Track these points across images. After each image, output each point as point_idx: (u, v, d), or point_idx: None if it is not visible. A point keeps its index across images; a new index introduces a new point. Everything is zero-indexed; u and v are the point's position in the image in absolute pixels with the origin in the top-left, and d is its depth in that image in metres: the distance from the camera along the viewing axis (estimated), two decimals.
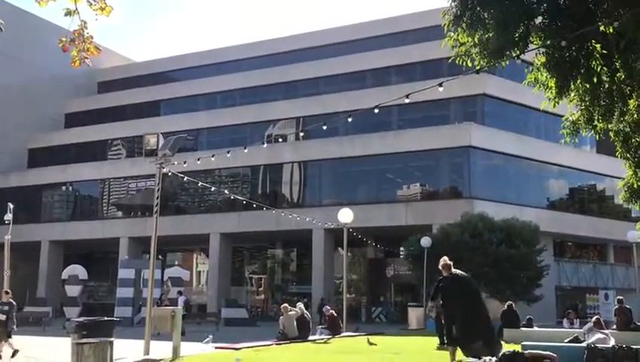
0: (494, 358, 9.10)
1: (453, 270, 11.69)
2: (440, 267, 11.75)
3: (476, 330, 11.03)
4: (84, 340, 10.29)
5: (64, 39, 6.07)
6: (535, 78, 8.41)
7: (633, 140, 8.73)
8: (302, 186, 39.29)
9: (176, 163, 14.16)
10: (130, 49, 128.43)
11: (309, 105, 40.75)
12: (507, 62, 8.21)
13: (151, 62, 55.46)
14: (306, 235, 35.71)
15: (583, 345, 11.69)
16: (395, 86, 35.04)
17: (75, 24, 5.89)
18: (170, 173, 14.51)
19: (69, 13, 5.84)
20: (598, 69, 7.90)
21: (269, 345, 15.70)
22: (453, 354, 11.10)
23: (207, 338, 15.73)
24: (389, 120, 36.78)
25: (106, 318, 11.97)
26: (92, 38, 6.06)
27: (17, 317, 25.03)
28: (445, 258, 11.93)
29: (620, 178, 10.28)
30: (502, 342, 12.80)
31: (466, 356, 10.86)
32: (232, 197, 33.91)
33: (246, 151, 17.56)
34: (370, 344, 16.19)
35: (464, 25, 7.59)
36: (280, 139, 37.90)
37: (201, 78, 48.58)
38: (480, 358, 10.16)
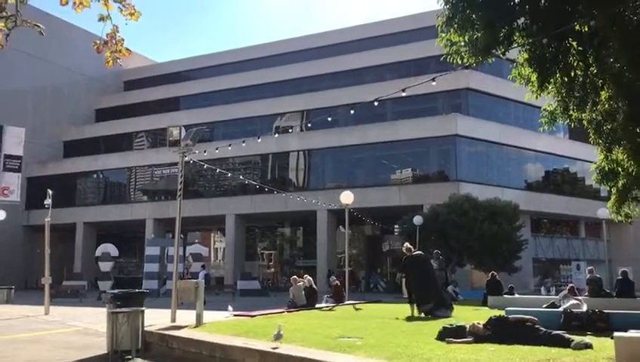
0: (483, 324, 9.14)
1: (413, 251, 14.63)
2: (404, 249, 14.52)
3: (427, 294, 13.74)
4: (119, 309, 10.35)
5: (98, 42, 6.04)
6: (518, 73, 8.38)
7: (604, 128, 8.69)
8: (307, 172, 39.32)
9: (197, 152, 14.14)
10: (152, 50, 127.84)
11: (313, 99, 40.67)
12: (493, 60, 8.17)
13: (171, 62, 55.29)
14: (311, 215, 35.81)
15: (560, 309, 11.76)
16: (389, 82, 34.93)
17: (107, 28, 5.86)
18: (191, 161, 14.49)
19: (102, 18, 5.80)
20: (575, 64, 7.87)
21: (281, 312, 15.76)
22: (412, 311, 13.60)
23: (229, 306, 15.92)
24: (384, 112, 36.68)
25: (137, 290, 12.03)
26: (123, 40, 6.04)
27: (57, 289, 25.16)
28: (407, 243, 14.92)
29: (590, 162, 10.28)
30: (453, 306, 14.65)
31: (419, 313, 13.51)
32: (246, 182, 33.95)
33: (259, 140, 17.55)
34: (357, 309, 16.79)
35: (455, 26, 7.55)
36: (290, 130, 37.73)
37: (217, 76, 48.55)
38: (433, 315, 13.15)
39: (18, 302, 26.77)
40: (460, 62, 8.15)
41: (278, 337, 8.46)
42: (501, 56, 7.97)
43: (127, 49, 6.11)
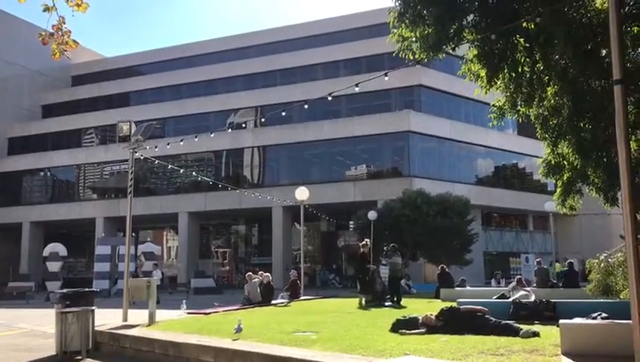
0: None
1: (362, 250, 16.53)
2: (362, 246, 16.51)
3: (366, 286, 15.92)
4: (68, 309, 10.09)
5: (44, 33, 5.84)
6: (468, 69, 8.54)
7: (551, 122, 8.94)
8: (261, 168, 39.16)
9: (147, 148, 13.87)
10: (100, 44, 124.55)
11: (267, 95, 40.47)
12: (443, 56, 8.31)
13: (121, 57, 53.89)
14: (266, 212, 35.68)
15: (509, 300, 12.11)
16: (343, 78, 35.09)
17: (52, 20, 5.68)
18: (142, 158, 14.20)
19: (47, 9, 5.62)
20: (522, 60, 8.09)
21: (236, 309, 15.68)
22: (360, 302, 15.54)
23: (183, 303, 15.74)
24: (339, 109, 36.80)
25: (86, 289, 11.75)
26: (70, 32, 5.86)
27: (2, 291, 24.35)
28: (367, 240, 17.41)
29: (538, 157, 10.56)
30: (387, 296, 16.39)
31: (362, 303, 15.49)
32: (199, 179, 33.52)
33: (212, 136, 17.39)
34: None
35: (407, 21, 7.64)
36: (244, 125, 37.39)
37: (168, 71, 47.63)
38: (372, 301, 15.32)
39: None
40: (411, 57, 8.26)
41: (238, 330, 8.52)
42: (451, 52, 8.11)
43: (74, 41, 5.93)
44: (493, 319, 9.03)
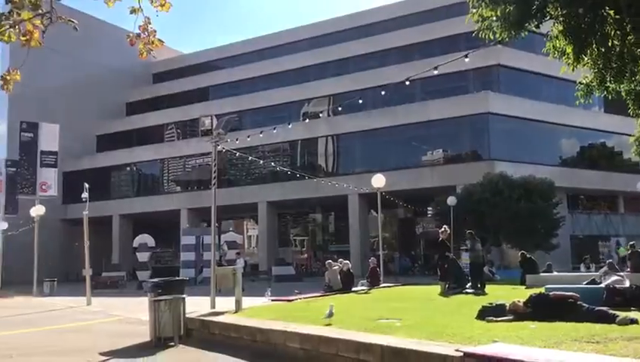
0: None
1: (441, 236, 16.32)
2: (441, 233, 16.30)
3: (447, 273, 15.93)
4: (160, 297, 10.59)
5: (131, 35, 6.12)
6: (552, 46, 8.18)
7: None
8: (336, 157, 39.31)
9: (229, 140, 14.26)
10: (179, 42, 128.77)
11: (340, 83, 40.52)
12: (526, 34, 8.01)
13: (198, 53, 55.71)
14: (342, 200, 35.82)
15: (601, 286, 11.58)
16: (418, 61, 34.53)
17: (139, 20, 5.93)
18: (224, 150, 14.63)
19: (133, 10, 5.87)
20: (612, 34, 7.65)
21: (318, 296, 15.89)
22: (441, 288, 15.55)
23: (267, 291, 16.12)
24: (413, 93, 36.16)
25: (177, 278, 12.28)
26: (155, 32, 6.11)
27: (97, 281, 25.80)
28: (446, 227, 16.88)
29: (627, 135, 10.02)
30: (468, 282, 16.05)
31: (443, 289, 15.41)
32: (277, 169, 34.14)
33: (290, 127, 17.61)
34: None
35: (487, 0, 7.42)
36: (320, 114, 37.40)
37: (244, 65, 48.74)
38: (454, 288, 15.25)
39: (61, 293, 27.59)
40: (492, 37, 8.01)
41: (330, 315, 8.85)
42: (534, 29, 7.80)
43: (159, 40, 6.18)
44: (586, 305, 8.66)
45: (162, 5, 6.06)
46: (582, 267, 25.46)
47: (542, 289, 10.52)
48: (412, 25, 41.28)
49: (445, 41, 37.33)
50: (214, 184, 13.47)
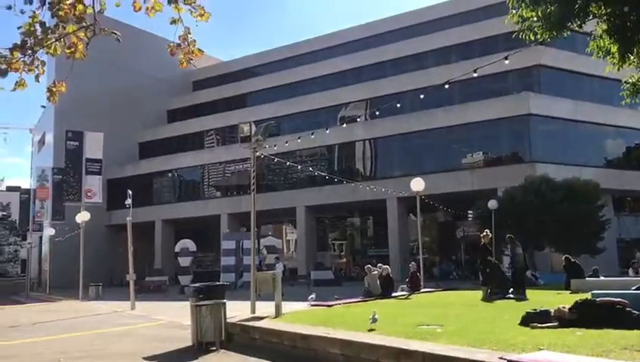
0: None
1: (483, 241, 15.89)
2: (483, 237, 15.87)
3: (489, 278, 15.59)
4: (202, 302, 10.70)
5: (172, 45, 6.21)
6: (596, 46, 7.96)
7: None
8: (374, 160, 39.15)
9: (267, 146, 14.37)
10: (217, 49, 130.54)
11: (376, 87, 40.42)
12: (568, 34, 7.81)
13: (236, 60, 56.44)
14: (380, 204, 35.64)
15: None
16: (455, 64, 34.20)
17: (179, 30, 6.02)
18: (262, 156, 14.75)
19: (174, 21, 5.98)
20: None
21: (357, 301, 15.82)
22: (483, 293, 15.13)
23: (312, 296, 16.11)
24: (451, 95, 35.77)
25: (218, 283, 12.40)
26: (195, 41, 6.20)
27: (140, 285, 26.30)
28: (487, 231, 16.46)
29: None
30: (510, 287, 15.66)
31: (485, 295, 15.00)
32: (315, 174, 34.22)
33: (327, 132, 17.65)
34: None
35: (527, 1, 7.27)
36: (358, 118, 37.18)
37: (281, 71, 49.13)
38: (496, 293, 15.00)
39: (106, 298, 28.27)
40: (532, 38, 7.84)
41: (374, 321, 8.88)
42: (577, 29, 7.60)
43: (199, 50, 6.27)
44: (636, 312, 8.37)
45: (202, 15, 6.15)
46: (630, 271, 24.61)
47: (588, 295, 10.22)
48: (450, 27, 40.89)
49: (484, 43, 36.87)
50: (253, 189, 13.58)
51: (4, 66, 5.34)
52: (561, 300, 10.79)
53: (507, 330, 8.25)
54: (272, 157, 16.81)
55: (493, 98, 34.19)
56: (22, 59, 5.49)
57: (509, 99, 34.12)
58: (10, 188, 60.18)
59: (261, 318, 11.51)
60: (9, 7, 5.34)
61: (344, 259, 44.78)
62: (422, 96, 15.16)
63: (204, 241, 44.75)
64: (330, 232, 47.16)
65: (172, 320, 15.91)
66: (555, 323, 8.48)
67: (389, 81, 39.76)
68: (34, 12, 5.43)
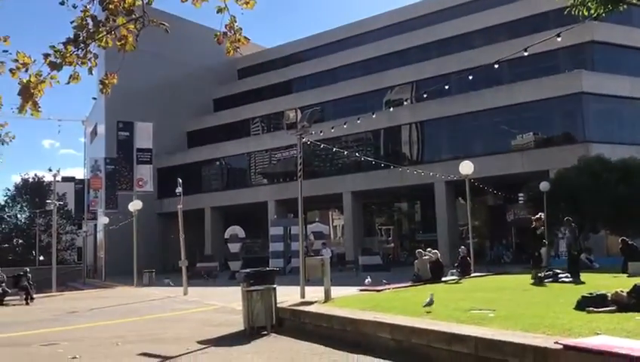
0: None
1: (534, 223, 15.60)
2: (535, 220, 15.53)
3: (540, 261, 15.60)
4: (253, 288, 10.90)
5: (218, 33, 6.26)
6: None
7: None
8: (420, 144, 38.67)
9: (313, 132, 14.41)
10: (261, 36, 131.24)
11: (422, 69, 39.83)
12: (625, 7, 7.48)
13: (280, 47, 56.62)
14: (428, 188, 35.25)
15: None
16: (502, 43, 33.29)
17: (225, 19, 6.07)
18: (308, 142, 14.80)
19: (220, 10, 6.03)
20: None
21: (406, 286, 15.77)
22: (534, 277, 14.69)
23: (368, 279, 16.18)
24: (500, 75, 34.90)
25: (268, 268, 12.58)
26: (241, 29, 6.23)
27: (192, 271, 27.01)
28: (541, 214, 16.13)
29: None
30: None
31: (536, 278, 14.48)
32: (361, 159, 34.11)
33: (374, 116, 17.52)
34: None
35: None
36: (405, 102, 36.66)
37: (325, 56, 49.05)
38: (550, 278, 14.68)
39: (159, 284, 29.08)
40: (586, 13, 7.55)
41: (430, 303, 9.08)
42: (635, 1, 7.27)
43: (245, 37, 6.31)
44: None
45: (247, 3, 6.19)
46: None
47: None
48: (496, 5, 39.80)
49: (532, 20, 35.79)
50: (300, 176, 13.65)
51: (59, 60, 5.52)
52: (619, 284, 10.46)
53: (562, 314, 8.06)
54: (318, 143, 16.84)
55: (543, 77, 33.17)
56: (75, 53, 5.66)
57: (560, 77, 33.02)
58: (65, 179, 62.32)
59: (311, 303, 11.62)
60: (62, 3, 5.51)
61: (392, 244, 44.63)
62: (470, 77, 14.79)
63: (252, 227, 45.34)
64: (377, 217, 47.06)
65: (224, 305, 16.24)
66: (613, 308, 8.23)
67: (435, 63, 39.11)
68: (85, 6, 5.59)
